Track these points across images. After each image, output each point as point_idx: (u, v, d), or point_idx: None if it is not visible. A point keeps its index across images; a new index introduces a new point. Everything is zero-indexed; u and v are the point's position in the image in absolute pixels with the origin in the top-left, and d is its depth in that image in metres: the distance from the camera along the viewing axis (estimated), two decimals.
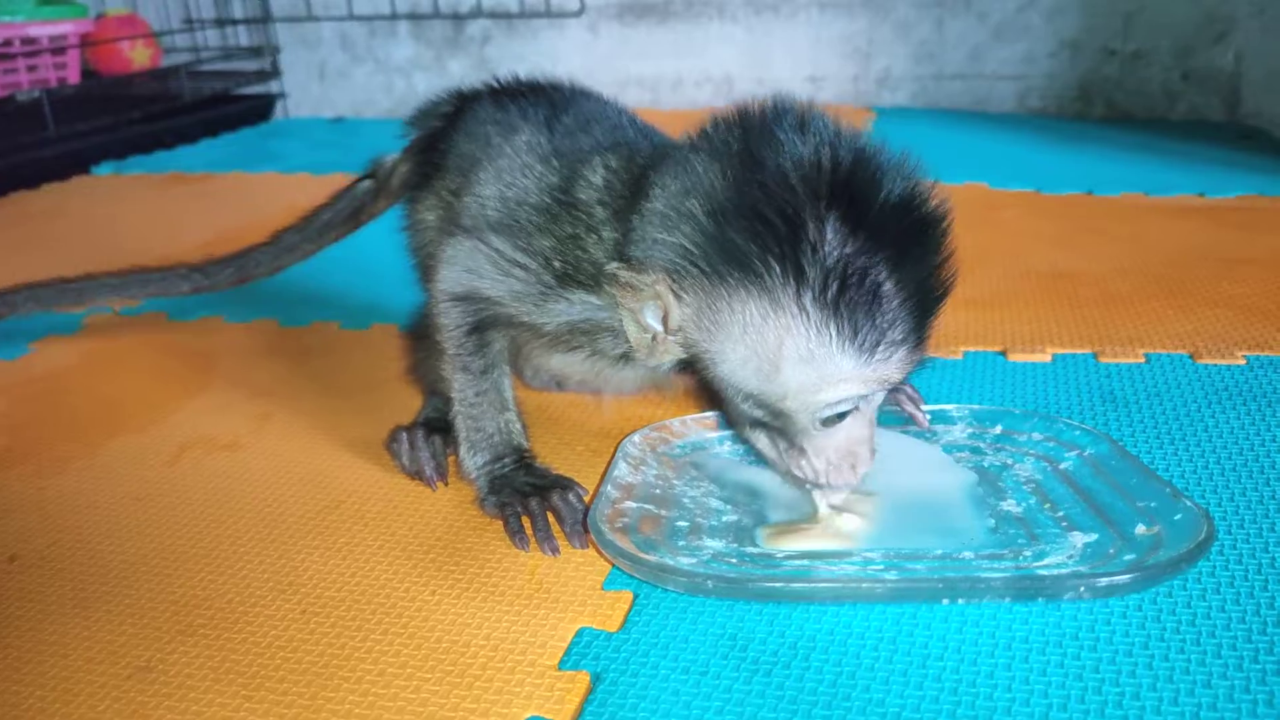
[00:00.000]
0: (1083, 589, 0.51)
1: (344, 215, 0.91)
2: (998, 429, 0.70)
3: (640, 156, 0.63)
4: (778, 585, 0.54)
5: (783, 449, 0.59)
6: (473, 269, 0.65)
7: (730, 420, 0.62)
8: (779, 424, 0.57)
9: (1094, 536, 0.56)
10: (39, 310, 0.96)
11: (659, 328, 0.57)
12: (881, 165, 0.53)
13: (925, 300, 0.53)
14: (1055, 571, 0.53)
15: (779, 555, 0.57)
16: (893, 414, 0.71)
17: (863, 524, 0.59)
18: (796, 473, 0.59)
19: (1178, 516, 0.55)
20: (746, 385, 0.56)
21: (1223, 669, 0.48)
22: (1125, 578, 0.51)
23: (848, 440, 0.57)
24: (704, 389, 0.62)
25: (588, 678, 0.50)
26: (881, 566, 0.55)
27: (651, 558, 0.55)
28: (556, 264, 0.62)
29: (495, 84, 0.80)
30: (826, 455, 0.57)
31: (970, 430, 0.70)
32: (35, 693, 0.51)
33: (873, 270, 0.51)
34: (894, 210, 0.52)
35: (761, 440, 0.60)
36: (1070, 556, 0.54)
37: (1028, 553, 0.55)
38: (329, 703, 0.49)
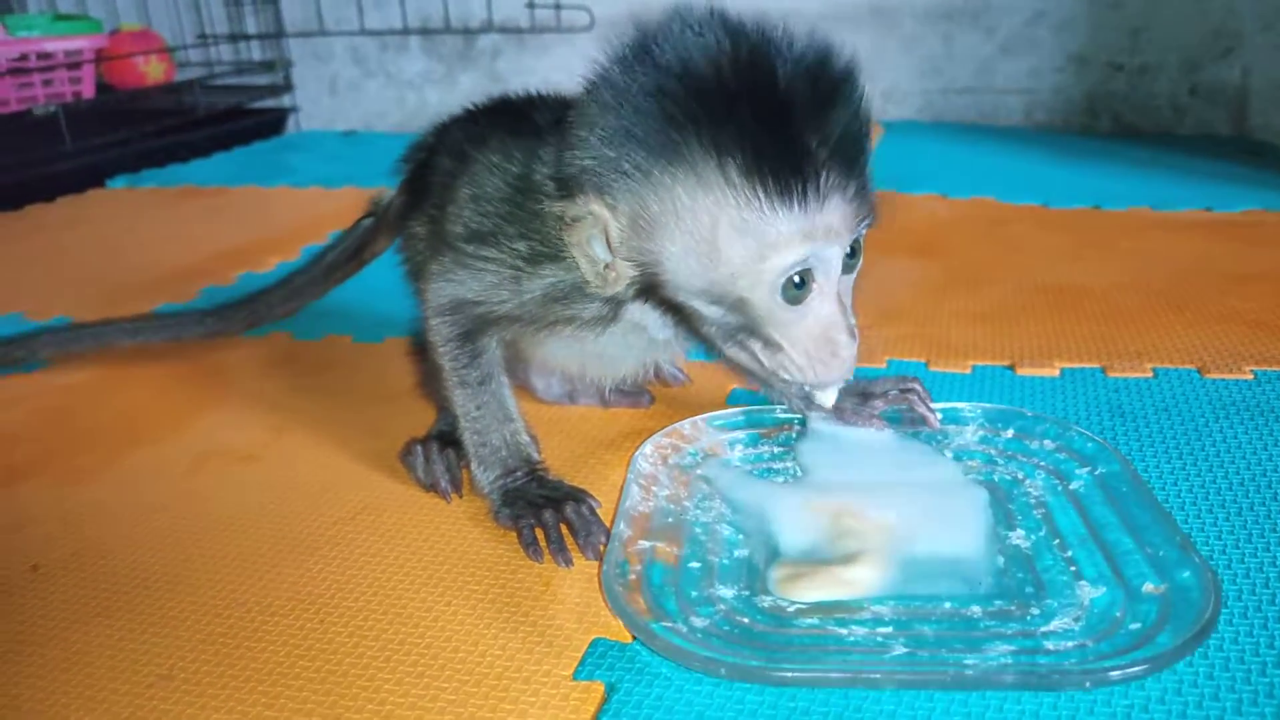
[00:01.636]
0: (1089, 684, 0.50)
1: (348, 254, 0.94)
2: (1009, 433, 0.70)
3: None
4: (789, 676, 0.51)
5: (760, 352, 0.58)
6: (451, 278, 0.67)
7: (706, 344, 0.63)
8: (744, 319, 0.57)
9: (1101, 590, 0.55)
10: (58, 353, 0.98)
11: (605, 255, 0.58)
12: (776, 32, 0.54)
13: (847, 146, 0.54)
14: (1061, 648, 0.51)
15: (790, 610, 0.56)
16: (903, 414, 0.72)
17: (874, 568, 0.58)
18: (783, 374, 0.58)
19: (1185, 574, 0.54)
20: (696, 279, 0.56)
21: (1237, 704, 0.49)
22: (1133, 670, 0.49)
23: (819, 324, 0.56)
24: (674, 319, 0.62)
25: (602, 688, 0.51)
26: (890, 629, 0.54)
27: (665, 639, 0.52)
28: (522, 246, 0.64)
29: (471, 106, 0.82)
30: (804, 346, 0.57)
31: (982, 433, 0.71)
32: (59, 700, 0.52)
33: (788, 124, 0.52)
34: (803, 74, 0.53)
35: (740, 353, 0.60)
36: (1076, 619, 0.53)
37: (1035, 610, 0.54)
38: (347, 711, 0.50)
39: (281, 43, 2.29)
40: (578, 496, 0.66)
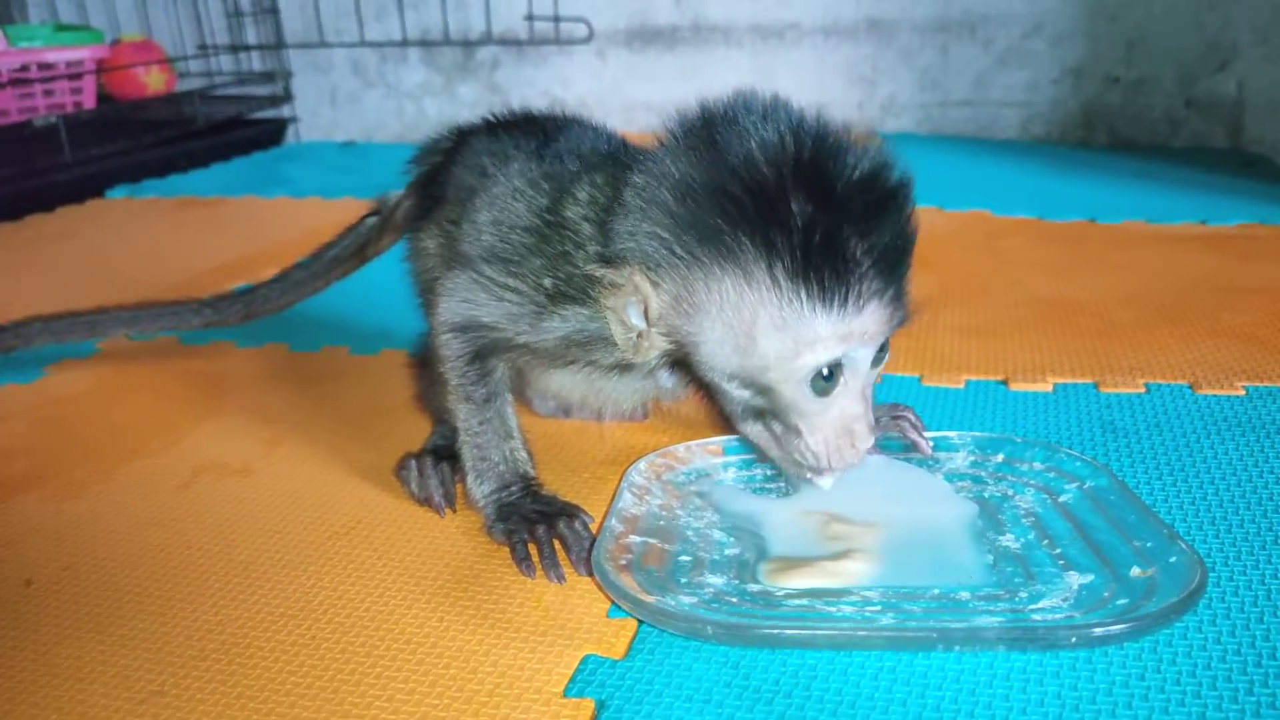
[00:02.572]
0: (1075, 640, 0.51)
1: (350, 251, 0.94)
2: (999, 457, 0.70)
3: (625, 174, 0.66)
4: (775, 632, 0.54)
5: (779, 433, 0.60)
6: (469, 299, 0.66)
7: (726, 416, 0.63)
8: (769, 403, 0.58)
9: (1090, 578, 0.56)
10: (52, 342, 0.98)
11: (641, 323, 0.59)
12: (843, 143, 0.56)
13: (891, 256, 0.55)
14: (1049, 619, 0.53)
15: (779, 594, 0.57)
16: (896, 440, 0.72)
17: (863, 564, 0.59)
18: (797, 458, 0.60)
19: (1173, 559, 0.55)
20: (729, 364, 0.57)
21: (1218, 701, 0.49)
22: (1117, 628, 0.51)
23: (842, 416, 0.58)
24: (695, 387, 0.63)
25: (593, 705, 0.51)
26: (879, 608, 0.55)
27: (651, 599, 0.55)
28: (548, 282, 0.64)
29: (492, 117, 0.82)
30: (824, 434, 0.58)
31: (972, 458, 0.71)
32: (51, 717, 0.52)
33: (837, 234, 0.53)
34: (858, 182, 0.54)
35: (759, 431, 0.61)
36: (1065, 599, 0.55)
37: (1024, 594, 0.56)
38: None
39: (281, 54, 2.30)
40: (571, 512, 0.66)
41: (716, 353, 0.57)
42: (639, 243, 0.57)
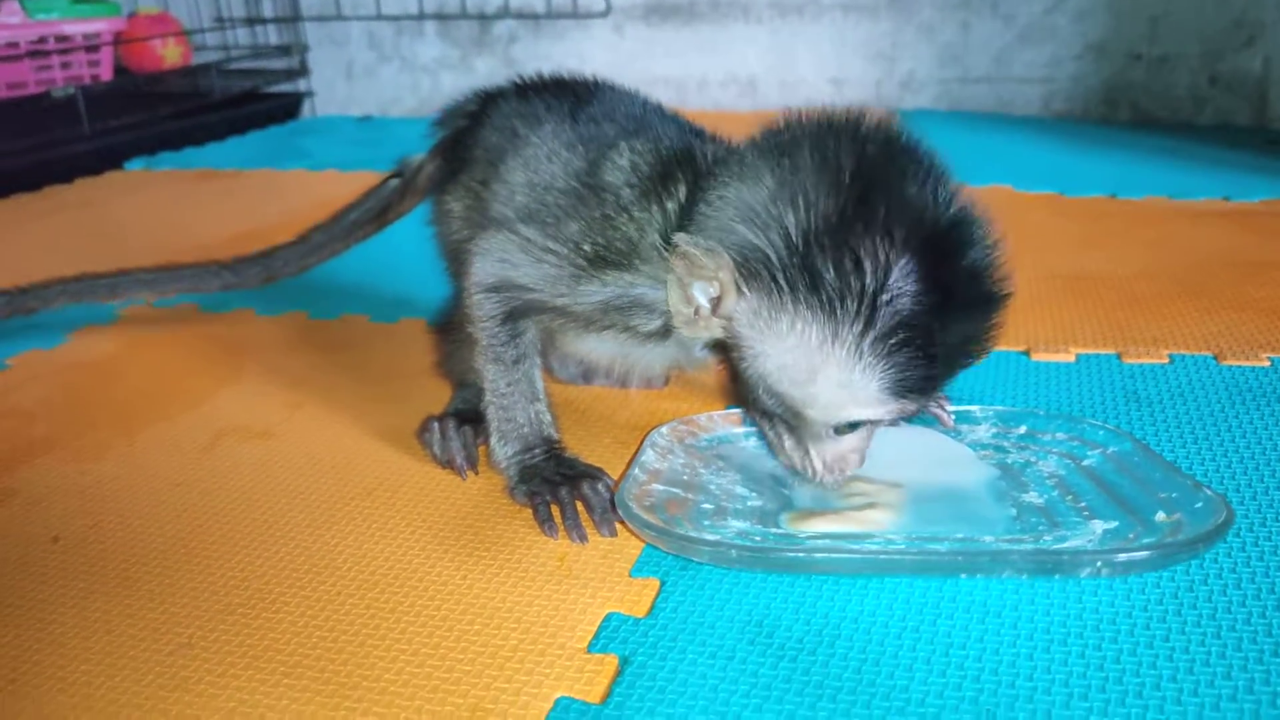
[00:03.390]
0: (1100, 564, 0.53)
1: (371, 214, 0.93)
2: (1022, 429, 0.70)
3: (665, 141, 0.66)
4: (800, 555, 0.56)
5: (785, 441, 0.62)
6: (505, 259, 0.66)
7: (741, 399, 0.65)
8: (793, 423, 0.60)
9: (1114, 524, 0.57)
10: (71, 304, 0.98)
11: (706, 306, 0.59)
12: (973, 233, 0.56)
13: (963, 359, 0.57)
14: (1074, 549, 0.54)
15: (802, 535, 0.59)
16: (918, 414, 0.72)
17: (888, 514, 0.60)
18: (793, 464, 0.63)
19: (1198, 505, 0.56)
20: (777, 386, 0.58)
21: (1243, 662, 0.49)
22: (1142, 555, 0.52)
23: (844, 448, 0.61)
24: (727, 369, 0.64)
25: (616, 660, 0.51)
26: (903, 547, 0.57)
27: (677, 530, 0.57)
28: (586, 246, 0.64)
29: (520, 80, 0.82)
30: (825, 457, 0.61)
31: (995, 430, 0.71)
32: (81, 667, 0.53)
33: (931, 330, 0.54)
34: (968, 278, 0.55)
35: (768, 428, 0.63)
36: (1089, 541, 0.56)
37: (1048, 537, 0.57)
38: (365, 680, 0.51)
39: (298, 27, 2.29)
40: (593, 474, 0.66)
41: (771, 373, 0.58)
42: (743, 245, 0.56)
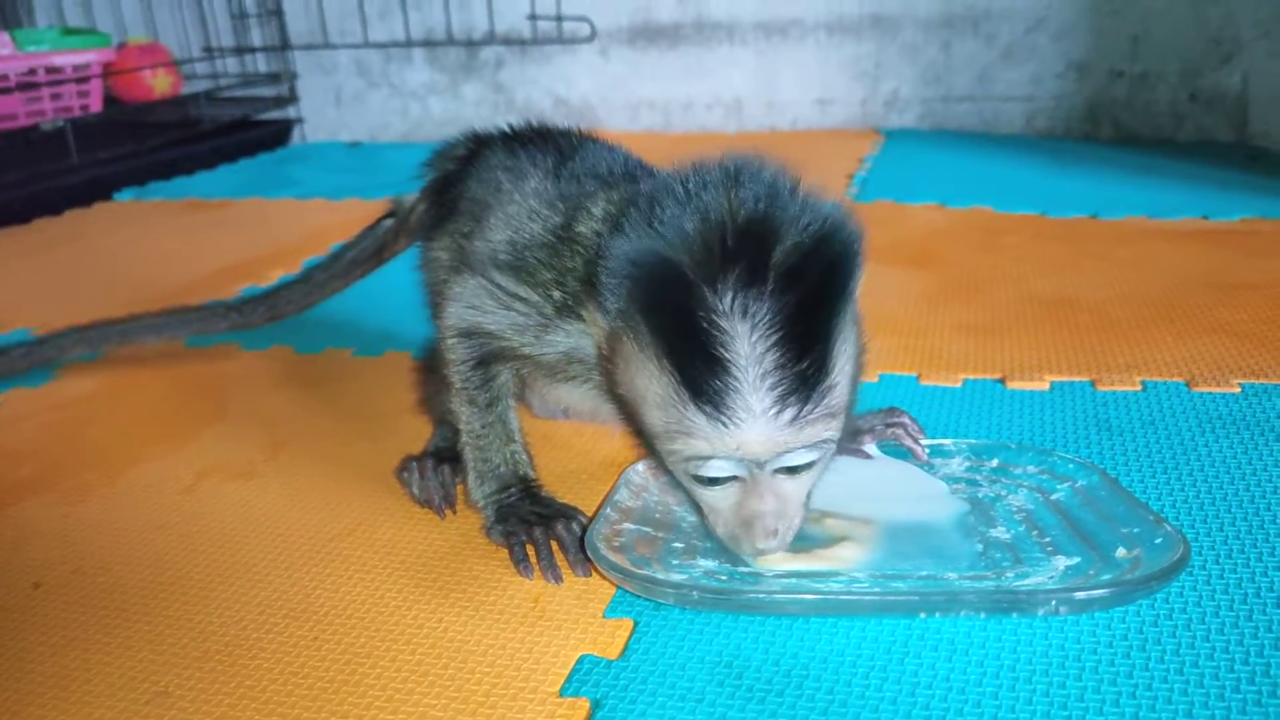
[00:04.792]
0: (1055, 603, 0.53)
1: (368, 253, 0.96)
2: (994, 462, 0.71)
3: (639, 194, 0.66)
4: (761, 596, 0.57)
5: (691, 500, 0.61)
6: (476, 305, 0.67)
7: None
8: (671, 472, 0.59)
9: (1076, 560, 0.58)
10: (88, 351, 1.00)
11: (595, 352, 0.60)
12: (778, 231, 0.52)
13: (791, 379, 0.51)
14: (1031, 587, 0.55)
15: (768, 574, 0.60)
16: (892, 447, 0.73)
17: (858, 550, 0.61)
18: (710, 530, 0.60)
19: (1158, 540, 0.57)
20: (634, 419, 0.59)
21: (1205, 698, 0.50)
22: (1099, 593, 0.53)
23: (741, 509, 0.56)
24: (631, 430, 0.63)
25: (588, 704, 0.52)
26: (866, 585, 0.58)
27: (642, 571, 0.58)
28: (556, 295, 0.65)
29: (508, 129, 0.83)
30: (719, 518, 0.58)
31: (967, 464, 0.72)
32: (59, 718, 0.53)
33: (732, 337, 0.51)
34: (776, 282, 0.51)
35: (684, 489, 0.61)
36: (1050, 578, 0.57)
37: (1010, 574, 0.58)
38: None
39: (286, 55, 2.31)
40: (569, 514, 0.67)
41: (626, 405, 0.59)
42: (599, 281, 0.58)
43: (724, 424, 0.52)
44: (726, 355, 0.51)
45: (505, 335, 0.66)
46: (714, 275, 0.51)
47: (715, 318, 0.51)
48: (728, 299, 0.51)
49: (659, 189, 0.57)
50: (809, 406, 0.52)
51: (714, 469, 0.55)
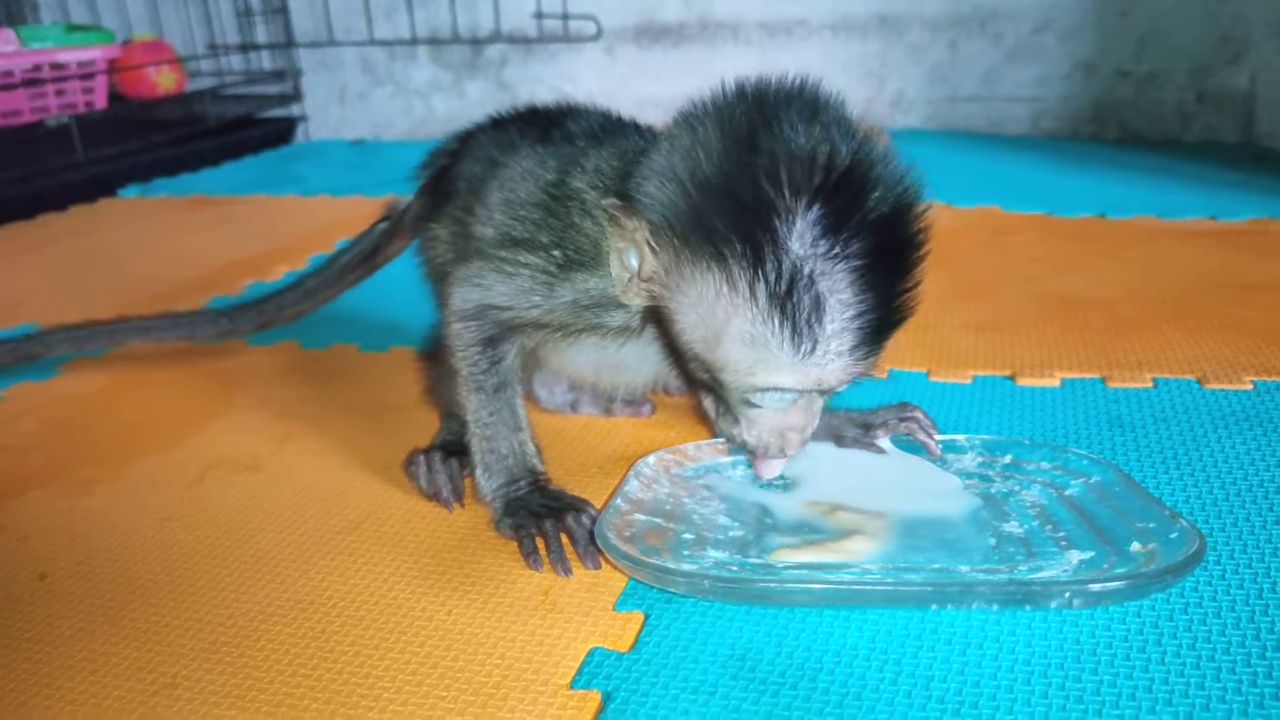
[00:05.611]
0: (1069, 595, 0.53)
1: (362, 257, 0.95)
2: (1007, 458, 0.71)
3: (631, 144, 0.67)
4: (773, 585, 0.56)
5: (722, 412, 0.63)
6: (480, 283, 0.67)
7: (684, 377, 0.66)
8: (719, 392, 0.61)
9: (1090, 554, 0.58)
10: (73, 350, 0.99)
11: (634, 269, 0.60)
12: (876, 175, 0.53)
13: (878, 320, 0.54)
14: (1046, 579, 0.54)
15: (780, 566, 0.59)
16: (906, 442, 0.72)
17: (869, 543, 0.61)
18: (733, 435, 0.63)
19: (1173, 535, 0.56)
20: (694, 347, 0.58)
21: (1221, 692, 0.49)
22: (1113, 585, 0.53)
23: (781, 422, 0.60)
24: (666, 346, 0.64)
25: (599, 697, 0.51)
26: (877, 577, 0.57)
27: (652, 560, 0.57)
28: (557, 253, 0.65)
29: (496, 115, 0.83)
30: (758, 430, 0.61)
31: (980, 459, 0.71)
32: (66, 708, 0.53)
33: (830, 277, 0.52)
34: (872, 225, 0.52)
35: (710, 402, 0.64)
36: (1064, 571, 0.56)
37: (1023, 567, 0.57)
38: (347, 719, 0.51)
39: (291, 52, 2.31)
40: (579, 507, 0.66)
41: (686, 334, 0.58)
42: (651, 203, 0.57)
43: (816, 363, 0.54)
44: (829, 300, 0.52)
45: (511, 304, 0.66)
46: (819, 218, 0.52)
47: (819, 261, 0.52)
48: (830, 242, 0.52)
49: (721, 111, 0.57)
50: (881, 346, 0.56)
51: (783, 397, 0.58)
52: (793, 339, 0.53)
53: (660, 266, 0.58)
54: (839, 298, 0.53)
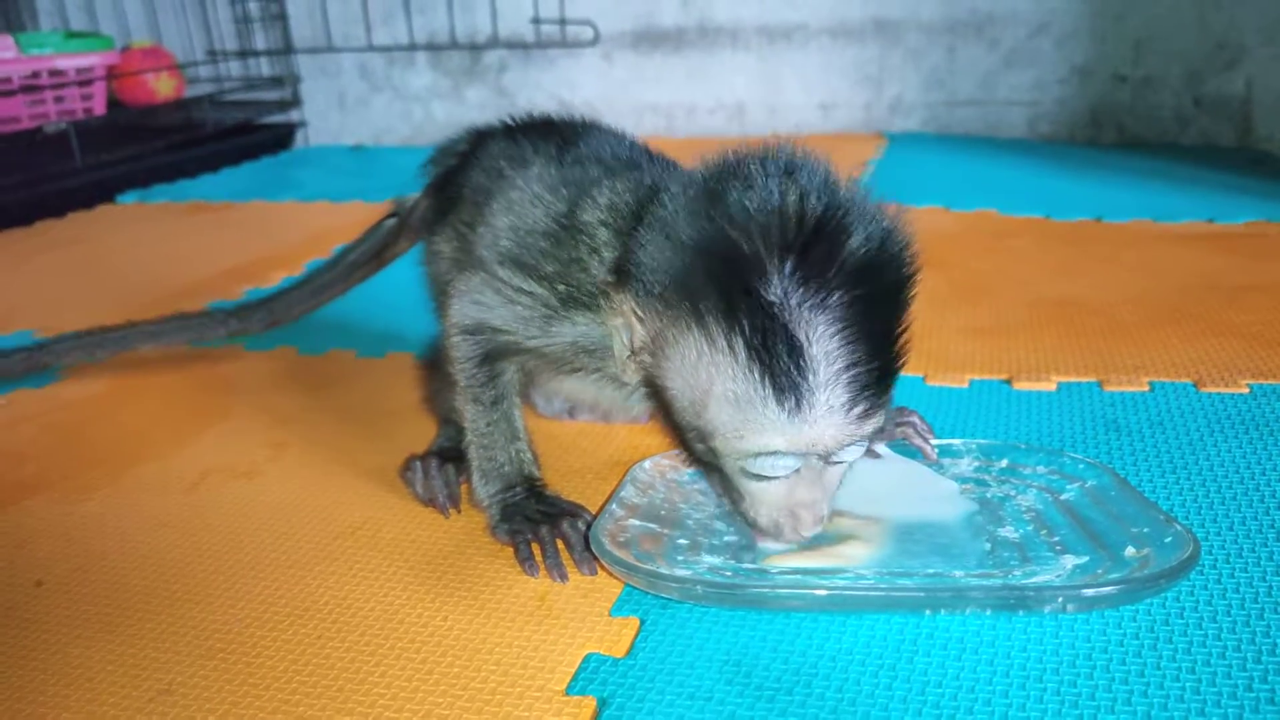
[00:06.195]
0: (1063, 600, 0.53)
1: (370, 254, 0.94)
2: (1003, 463, 0.71)
3: (647, 181, 0.65)
4: (766, 590, 0.56)
5: (727, 487, 0.59)
6: (479, 301, 0.67)
7: (686, 454, 0.61)
8: (718, 463, 0.57)
9: (1085, 559, 0.58)
10: (84, 358, 0.99)
11: (628, 344, 0.59)
12: (852, 222, 0.52)
13: (867, 372, 0.52)
14: (1039, 584, 0.54)
15: (774, 570, 0.59)
16: (901, 447, 0.73)
17: (865, 548, 0.61)
18: (744, 514, 0.59)
19: (1168, 539, 0.57)
20: (685, 416, 0.56)
21: (1216, 697, 0.49)
22: (1107, 590, 0.53)
23: (788, 498, 0.56)
24: (664, 422, 0.62)
25: (594, 703, 0.51)
26: (872, 581, 0.57)
27: (646, 566, 0.57)
28: (560, 287, 0.64)
29: (509, 120, 0.83)
30: (766, 509, 0.57)
31: (976, 464, 0.71)
32: (62, 715, 0.53)
33: (810, 327, 0.50)
34: (851, 273, 0.51)
35: (714, 480, 0.60)
36: (1058, 576, 0.56)
37: (1018, 572, 0.57)
38: None
39: (290, 59, 2.31)
40: (575, 512, 0.66)
41: (676, 403, 0.57)
42: (636, 273, 0.57)
43: (805, 420, 0.51)
44: (810, 350, 0.50)
45: (510, 329, 0.66)
46: (794, 268, 0.50)
47: (797, 311, 0.50)
48: (808, 292, 0.50)
49: (702, 177, 0.56)
50: (878, 402, 0.53)
51: (777, 463, 0.54)
52: (776, 394, 0.51)
53: (648, 335, 0.57)
54: (822, 348, 0.50)
